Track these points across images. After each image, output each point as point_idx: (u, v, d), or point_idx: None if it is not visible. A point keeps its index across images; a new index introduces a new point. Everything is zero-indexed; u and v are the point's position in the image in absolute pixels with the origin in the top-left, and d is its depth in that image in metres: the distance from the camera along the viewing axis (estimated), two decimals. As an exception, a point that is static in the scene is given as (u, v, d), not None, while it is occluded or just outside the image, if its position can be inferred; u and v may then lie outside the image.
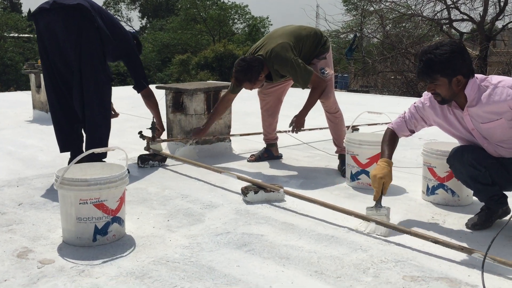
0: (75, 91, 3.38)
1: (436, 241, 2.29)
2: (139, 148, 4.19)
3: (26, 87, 13.12)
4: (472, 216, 2.70)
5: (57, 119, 3.50)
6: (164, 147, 4.34)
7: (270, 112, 4.16)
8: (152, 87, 3.98)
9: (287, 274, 2.10)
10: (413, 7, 16.96)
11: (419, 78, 2.45)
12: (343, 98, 6.36)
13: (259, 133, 4.44)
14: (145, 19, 47.53)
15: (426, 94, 2.65)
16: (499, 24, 17.63)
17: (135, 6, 46.58)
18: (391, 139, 2.75)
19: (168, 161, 4.02)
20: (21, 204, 3.00)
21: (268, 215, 2.83)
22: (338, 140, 3.89)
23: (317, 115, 4.49)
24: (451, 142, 2.94)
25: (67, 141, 3.54)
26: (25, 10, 45.85)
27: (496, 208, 2.65)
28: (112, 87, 3.59)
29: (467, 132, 2.56)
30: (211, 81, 7.41)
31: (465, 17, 16.98)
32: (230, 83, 3.96)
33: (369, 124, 5.38)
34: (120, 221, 2.43)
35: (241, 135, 4.72)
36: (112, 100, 3.63)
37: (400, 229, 2.46)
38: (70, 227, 2.35)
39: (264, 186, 3.09)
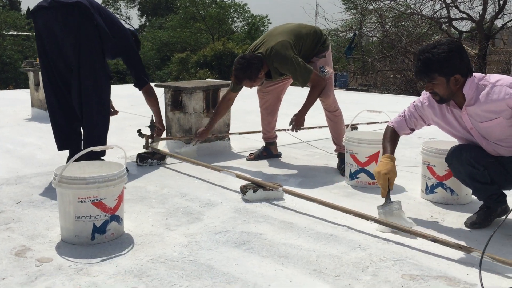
0: (73, 89, 3.37)
1: (435, 240, 2.29)
2: (138, 146, 4.18)
3: (25, 85, 13.14)
4: (471, 214, 2.70)
5: (55, 118, 3.49)
6: (163, 146, 4.34)
7: (269, 111, 4.15)
8: (151, 85, 3.97)
9: (285, 272, 2.09)
10: (412, 5, 17.02)
11: (417, 78, 2.45)
12: (342, 97, 6.36)
13: (258, 132, 4.43)
14: (144, 17, 47.56)
15: (425, 93, 2.64)
16: (498, 23, 17.71)
17: (134, 4, 46.58)
18: (392, 136, 2.75)
19: (167, 160, 4.02)
20: (19, 202, 3.00)
21: (267, 213, 2.83)
22: (337, 138, 3.88)
23: (316, 114, 4.48)
24: (450, 141, 2.94)
25: (65, 140, 3.52)
26: (24, 8, 45.93)
27: (495, 207, 2.65)
28: (111, 85, 3.59)
29: (466, 131, 2.56)
30: (210, 80, 7.40)
31: (464, 15, 16.99)
32: (230, 81, 3.95)
33: (368, 123, 5.39)
34: (118, 219, 2.43)
35: (240, 133, 4.71)
36: (111, 98, 3.62)
37: (399, 228, 2.46)
38: (69, 225, 2.35)
39: (263, 185, 3.08)
